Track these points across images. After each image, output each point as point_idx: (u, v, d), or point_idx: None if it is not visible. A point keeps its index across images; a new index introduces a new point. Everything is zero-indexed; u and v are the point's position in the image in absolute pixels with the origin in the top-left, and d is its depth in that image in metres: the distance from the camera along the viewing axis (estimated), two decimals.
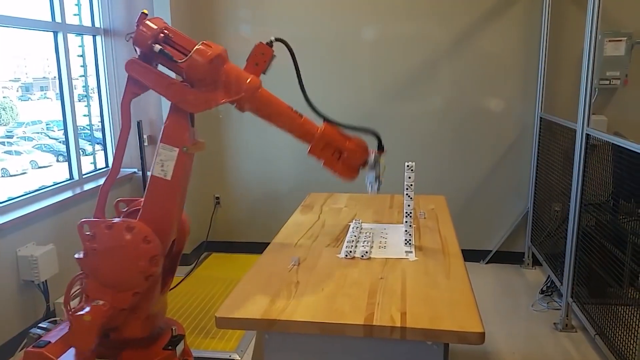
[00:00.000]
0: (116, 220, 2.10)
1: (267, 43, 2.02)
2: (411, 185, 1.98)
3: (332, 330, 1.43)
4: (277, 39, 2.03)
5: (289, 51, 2.03)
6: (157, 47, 1.95)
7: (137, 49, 2.03)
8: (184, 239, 2.46)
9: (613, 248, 2.65)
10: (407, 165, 1.98)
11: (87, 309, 2.05)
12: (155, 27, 1.98)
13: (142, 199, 2.39)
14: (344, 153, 2.03)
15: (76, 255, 2.31)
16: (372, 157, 2.03)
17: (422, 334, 1.39)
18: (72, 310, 2.22)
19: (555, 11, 3.66)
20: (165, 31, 2.01)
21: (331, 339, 1.48)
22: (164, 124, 2.06)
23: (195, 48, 1.94)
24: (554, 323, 3.13)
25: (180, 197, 2.18)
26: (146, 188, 2.13)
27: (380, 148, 2.06)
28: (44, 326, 2.83)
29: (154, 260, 2.07)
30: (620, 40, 3.49)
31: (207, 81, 1.96)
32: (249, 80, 1.98)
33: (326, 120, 2.04)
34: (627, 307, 2.48)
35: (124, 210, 2.38)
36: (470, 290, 1.61)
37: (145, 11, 2.00)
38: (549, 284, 3.50)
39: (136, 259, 2.05)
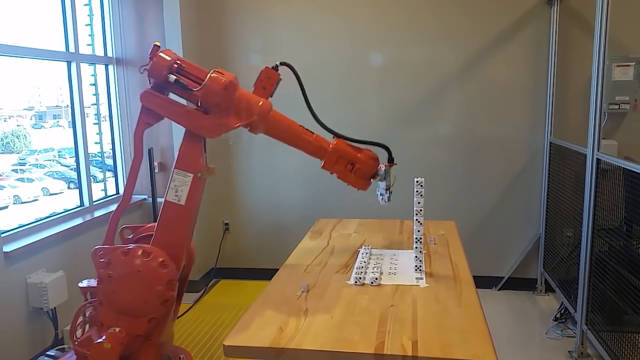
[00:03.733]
0: (131, 246, 2.12)
1: (272, 67, 2.11)
2: (421, 210, 1.96)
3: (342, 359, 1.41)
4: (282, 63, 2.13)
5: (294, 74, 2.15)
6: (172, 77, 2.02)
7: (151, 80, 2.08)
8: (190, 265, 2.47)
9: (628, 274, 2.60)
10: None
11: (104, 337, 2.04)
12: (169, 58, 2.05)
13: (149, 225, 2.41)
14: (356, 165, 2.12)
15: (82, 284, 2.32)
16: (382, 169, 2.14)
17: None
18: (78, 340, 2.21)
19: (563, 37, 3.69)
20: (178, 62, 2.08)
21: None
22: (179, 150, 2.11)
23: (209, 76, 2.01)
24: (569, 351, 3.06)
25: (193, 220, 2.22)
26: (160, 213, 2.15)
27: (390, 160, 2.16)
28: (52, 354, 2.82)
29: (171, 284, 2.10)
30: (629, 65, 3.49)
31: (222, 107, 2.03)
32: (260, 104, 2.05)
33: (336, 135, 2.15)
34: None
35: (129, 237, 2.40)
36: (482, 317, 1.59)
37: (158, 43, 2.07)
38: (562, 311, 3.44)
39: (154, 284, 2.07)
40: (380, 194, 2.18)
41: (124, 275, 2.09)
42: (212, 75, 2.02)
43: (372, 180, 2.17)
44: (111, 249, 2.12)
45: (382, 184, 2.16)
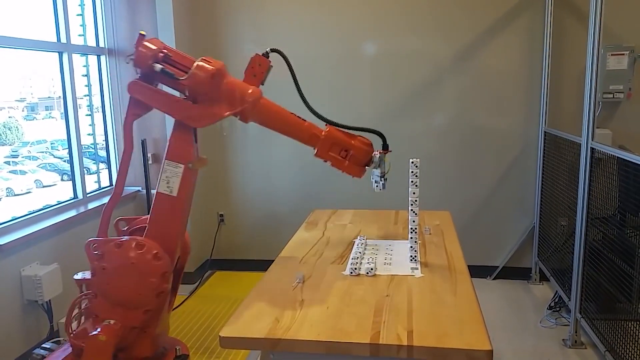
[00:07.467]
0: (125, 238, 2.11)
1: (263, 54, 2.07)
2: (416, 200, 1.96)
3: (338, 349, 1.41)
4: (272, 50, 2.09)
5: (285, 61, 2.09)
6: (158, 66, 1.99)
7: (138, 70, 2.05)
8: (185, 257, 2.47)
9: (621, 262, 2.62)
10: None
11: (99, 329, 2.04)
12: (154, 47, 2.01)
13: (143, 217, 2.40)
14: (349, 151, 2.07)
15: (77, 276, 2.31)
16: (376, 156, 2.09)
17: (429, 353, 1.36)
18: (74, 332, 2.21)
19: (557, 26, 3.68)
20: (165, 50, 2.04)
21: (337, 358, 1.46)
22: (169, 141, 2.09)
23: (195, 64, 1.97)
24: (563, 339, 3.09)
25: (185, 213, 2.19)
26: (152, 205, 2.14)
27: (385, 147, 2.10)
28: (48, 346, 2.81)
29: (165, 276, 2.09)
30: (623, 54, 3.49)
31: (210, 96, 1.99)
32: (250, 92, 2.01)
33: (329, 122, 2.10)
34: (637, 322, 2.45)
35: (124, 229, 2.39)
36: (477, 307, 1.59)
37: (143, 32, 2.03)
38: (556, 300, 3.46)
39: (147, 276, 2.07)
40: (375, 182, 2.14)
41: (117, 268, 2.08)
42: (198, 63, 1.98)
43: (366, 167, 2.14)
44: (105, 241, 2.11)
45: (377, 171, 2.12)
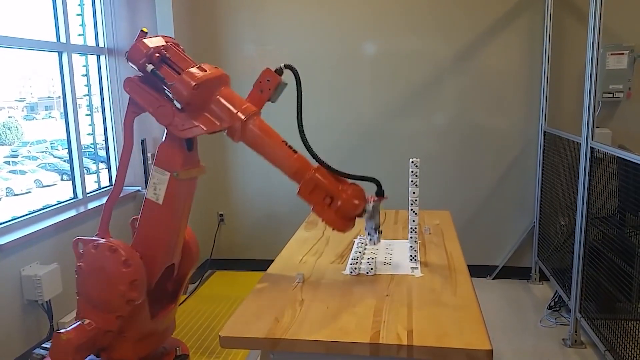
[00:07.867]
0: (103, 240, 2.06)
1: (275, 70, 1.87)
2: (416, 200, 1.96)
3: (338, 349, 1.41)
4: (286, 66, 1.87)
5: (296, 79, 1.87)
6: (150, 67, 1.89)
7: (136, 68, 2.00)
8: (190, 264, 2.41)
9: (621, 262, 2.62)
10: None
11: (72, 326, 2.02)
12: (151, 45, 1.91)
13: None
14: (336, 200, 1.80)
15: None
16: (370, 205, 1.81)
17: (429, 352, 1.36)
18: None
19: (557, 26, 3.68)
20: (163, 51, 1.94)
21: (337, 357, 1.46)
22: (159, 146, 2.02)
23: (185, 71, 1.84)
24: (563, 339, 3.09)
25: (174, 222, 2.10)
26: (141, 210, 2.09)
27: (380, 194, 1.85)
28: (48, 346, 2.81)
29: (134, 284, 2.01)
30: (623, 54, 3.49)
31: (194, 106, 1.85)
32: (244, 107, 1.83)
33: (320, 163, 1.84)
34: (637, 322, 2.45)
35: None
36: (477, 306, 1.59)
37: (145, 29, 1.97)
38: (556, 299, 3.46)
39: (116, 282, 2.01)
40: (369, 233, 1.87)
41: (91, 270, 2.04)
42: (190, 70, 1.83)
43: (356, 218, 1.87)
44: (87, 241, 2.08)
45: (370, 223, 1.84)
